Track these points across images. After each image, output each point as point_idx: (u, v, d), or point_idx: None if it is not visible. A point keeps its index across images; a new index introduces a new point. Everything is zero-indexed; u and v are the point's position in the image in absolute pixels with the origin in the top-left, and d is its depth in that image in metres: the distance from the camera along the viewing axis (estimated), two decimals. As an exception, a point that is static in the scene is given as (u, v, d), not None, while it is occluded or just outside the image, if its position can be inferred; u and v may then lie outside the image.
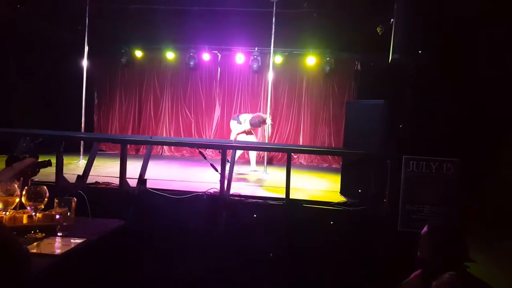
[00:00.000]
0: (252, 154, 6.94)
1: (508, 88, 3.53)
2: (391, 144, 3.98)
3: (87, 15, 6.74)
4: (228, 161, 4.33)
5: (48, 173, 4.45)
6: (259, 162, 7.39)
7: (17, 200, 1.95)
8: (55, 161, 4.37)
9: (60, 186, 4.21)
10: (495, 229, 3.47)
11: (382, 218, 3.81)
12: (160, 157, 8.79)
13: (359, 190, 4.29)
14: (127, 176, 4.40)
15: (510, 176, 3.61)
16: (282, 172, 5.77)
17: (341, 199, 4.45)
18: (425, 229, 2.32)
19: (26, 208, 1.97)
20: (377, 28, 5.89)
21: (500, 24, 3.49)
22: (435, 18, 3.66)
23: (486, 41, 3.48)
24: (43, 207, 1.96)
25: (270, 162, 7.88)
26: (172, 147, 9.18)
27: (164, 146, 9.16)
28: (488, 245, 3.24)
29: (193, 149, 8.70)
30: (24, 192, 1.92)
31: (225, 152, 4.29)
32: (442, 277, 1.86)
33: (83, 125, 6.99)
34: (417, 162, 3.62)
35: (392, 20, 3.96)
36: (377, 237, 3.69)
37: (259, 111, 8.98)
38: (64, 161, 4.47)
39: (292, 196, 4.26)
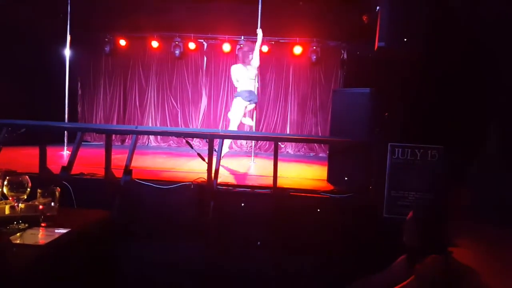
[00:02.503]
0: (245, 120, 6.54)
1: (494, 75, 3.57)
2: (377, 131, 4.01)
3: (69, 2, 6.58)
4: (215, 150, 4.31)
5: (31, 164, 4.39)
6: (248, 151, 7.38)
7: (-2, 190, 1.91)
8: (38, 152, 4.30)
9: (44, 177, 4.15)
10: (478, 215, 3.54)
11: (368, 205, 3.85)
12: (146, 147, 8.72)
13: (345, 178, 4.32)
14: (112, 166, 4.36)
15: (492, 164, 3.67)
16: (270, 161, 5.77)
17: (329, 187, 4.48)
18: (410, 214, 2.36)
19: (8, 199, 1.94)
20: (363, 17, 5.88)
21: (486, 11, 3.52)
22: (420, 6, 3.67)
23: (473, 27, 3.50)
24: (25, 197, 1.93)
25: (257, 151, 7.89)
26: (159, 137, 9.11)
27: (150, 136, 9.08)
28: (471, 230, 3.30)
29: (179, 139, 8.65)
30: (5, 183, 1.88)
31: (212, 141, 4.27)
32: (425, 260, 1.90)
33: (66, 115, 6.88)
34: (402, 149, 3.66)
35: (377, 8, 3.95)
36: (363, 223, 3.73)
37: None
38: (47, 152, 4.39)
39: (279, 184, 4.27)
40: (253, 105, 6.34)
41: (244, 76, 6.18)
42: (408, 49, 3.63)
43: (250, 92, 6.16)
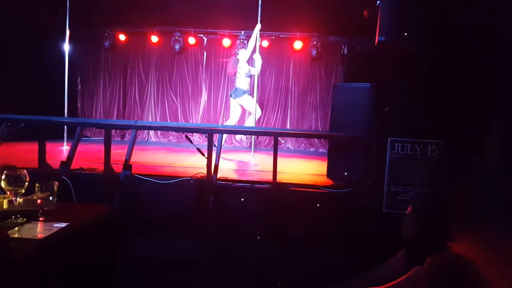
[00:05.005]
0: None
1: (494, 70, 3.55)
2: (376, 127, 4.00)
3: (68, -4, 6.56)
4: (214, 145, 4.31)
5: (30, 160, 4.38)
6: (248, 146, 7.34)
7: (-4, 185, 1.90)
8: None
9: (43, 172, 4.14)
10: (478, 210, 3.54)
11: (368, 200, 3.85)
12: (146, 142, 8.72)
13: (345, 173, 4.32)
14: (112, 161, 4.35)
15: (492, 159, 3.66)
16: (269, 156, 5.76)
17: (328, 182, 4.48)
18: (409, 209, 2.36)
19: (6, 193, 1.93)
20: (363, 12, 5.85)
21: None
22: (421, 0, 3.66)
23: (473, 22, 3.48)
24: (23, 191, 1.92)
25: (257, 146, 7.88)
26: (158, 132, 9.10)
27: (150, 132, 9.06)
28: (470, 225, 3.30)
29: (179, 134, 8.63)
30: (3, 177, 1.88)
31: (211, 136, 4.27)
32: (437, 254, 1.87)
33: (66, 110, 6.86)
34: (402, 144, 3.65)
35: (378, 2, 3.93)
36: (363, 218, 3.74)
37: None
38: (47, 147, 4.39)
39: (279, 179, 4.27)
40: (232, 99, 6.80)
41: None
42: (408, 44, 3.61)
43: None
